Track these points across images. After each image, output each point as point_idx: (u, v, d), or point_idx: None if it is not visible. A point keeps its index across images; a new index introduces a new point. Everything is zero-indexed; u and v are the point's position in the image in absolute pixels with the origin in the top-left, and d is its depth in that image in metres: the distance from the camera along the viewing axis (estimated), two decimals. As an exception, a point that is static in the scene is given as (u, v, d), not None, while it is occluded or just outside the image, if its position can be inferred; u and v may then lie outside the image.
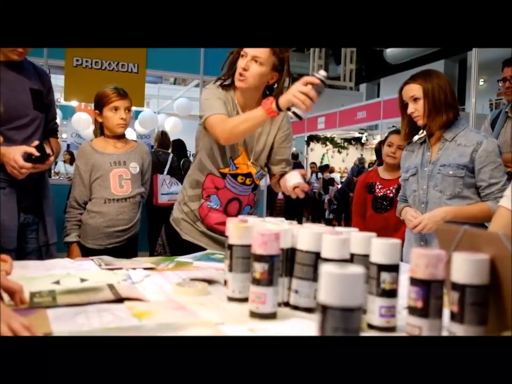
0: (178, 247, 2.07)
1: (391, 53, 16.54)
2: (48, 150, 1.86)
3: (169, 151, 5.94)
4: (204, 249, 2.03)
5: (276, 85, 2.02)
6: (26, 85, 1.99)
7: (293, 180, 1.91)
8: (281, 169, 2.11)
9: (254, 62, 1.89)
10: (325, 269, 0.74)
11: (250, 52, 1.88)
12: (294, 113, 1.74)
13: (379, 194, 3.29)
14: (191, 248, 2.01)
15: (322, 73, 1.74)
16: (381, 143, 3.54)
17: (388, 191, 3.27)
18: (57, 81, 7.08)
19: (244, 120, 1.83)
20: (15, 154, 1.78)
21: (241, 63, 1.90)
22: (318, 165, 14.57)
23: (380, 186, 3.31)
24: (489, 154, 2.01)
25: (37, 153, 1.81)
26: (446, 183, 2.07)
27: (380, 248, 1.13)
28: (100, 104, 2.33)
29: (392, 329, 1.13)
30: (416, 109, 2.10)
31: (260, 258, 1.17)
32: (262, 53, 1.88)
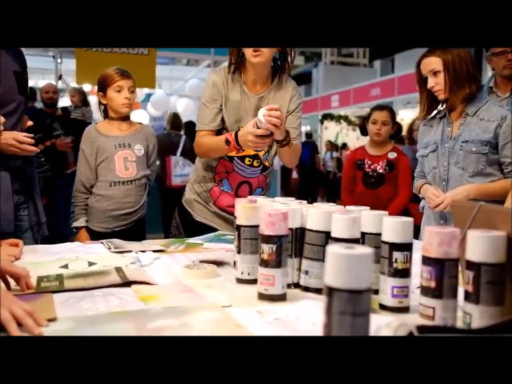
0: (192, 228, 2.05)
1: (405, 27, 16.21)
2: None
3: (182, 132, 5.92)
4: (216, 230, 2.01)
5: (278, 53, 1.98)
6: (10, 68, 1.87)
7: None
8: (294, 139, 2.05)
9: None
10: (330, 249, 0.70)
11: None
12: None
13: (368, 170, 3.27)
14: (204, 229, 1.99)
15: (260, 118, 1.71)
16: (365, 119, 3.50)
17: (378, 167, 3.25)
18: (69, 65, 7.08)
19: (213, 149, 1.96)
20: (12, 135, 1.75)
21: None
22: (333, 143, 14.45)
23: (369, 163, 3.29)
24: None
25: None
26: (469, 160, 2.00)
27: (391, 227, 1.10)
28: (103, 85, 2.31)
29: (405, 309, 1.10)
30: (437, 83, 2.02)
31: (267, 239, 1.14)
32: None
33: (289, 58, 1.98)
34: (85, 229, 2.28)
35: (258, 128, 1.72)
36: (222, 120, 1.97)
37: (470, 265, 0.93)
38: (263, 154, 2.02)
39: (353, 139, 15.80)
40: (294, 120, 2.02)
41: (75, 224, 2.29)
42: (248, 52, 1.86)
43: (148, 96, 8.07)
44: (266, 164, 2.06)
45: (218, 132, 1.99)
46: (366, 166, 3.29)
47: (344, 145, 13.96)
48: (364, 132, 3.49)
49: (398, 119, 3.35)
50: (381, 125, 3.25)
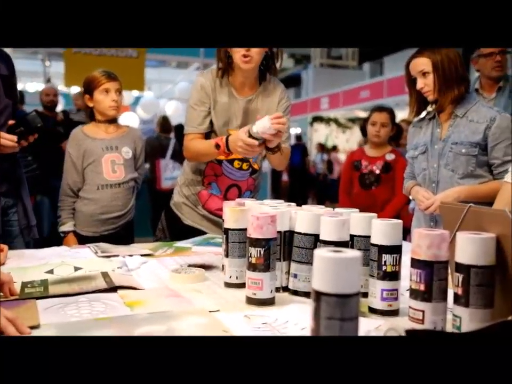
0: (180, 232, 2.02)
1: (394, 30, 16.30)
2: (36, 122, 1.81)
3: (172, 135, 5.89)
4: (205, 233, 1.99)
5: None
6: None
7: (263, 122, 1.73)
8: (282, 142, 2.03)
9: None
10: (318, 253, 0.69)
11: None
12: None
13: (365, 171, 3.27)
14: (192, 232, 1.98)
15: (254, 130, 1.70)
16: (365, 121, 3.50)
17: (374, 168, 3.24)
18: (57, 68, 7.03)
19: (203, 154, 1.94)
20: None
21: None
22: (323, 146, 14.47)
23: (365, 164, 3.28)
24: (504, 130, 1.93)
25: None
26: (458, 162, 2.00)
27: (380, 229, 1.09)
28: (90, 88, 2.28)
29: (395, 312, 1.09)
30: (426, 84, 2.02)
31: (255, 242, 1.12)
32: None
33: (276, 60, 1.96)
34: (72, 233, 2.24)
35: (250, 136, 1.70)
36: (211, 123, 1.95)
37: (460, 267, 0.92)
38: (252, 157, 2.01)
39: (343, 141, 15.85)
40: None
41: (62, 228, 2.25)
42: (237, 57, 1.84)
43: (137, 99, 8.04)
44: (256, 166, 2.05)
45: (207, 135, 1.97)
46: (363, 167, 3.28)
47: (334, 147, 13.99)
48: (364, 133, 3.48)
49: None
50: (380, 127, 3.23)
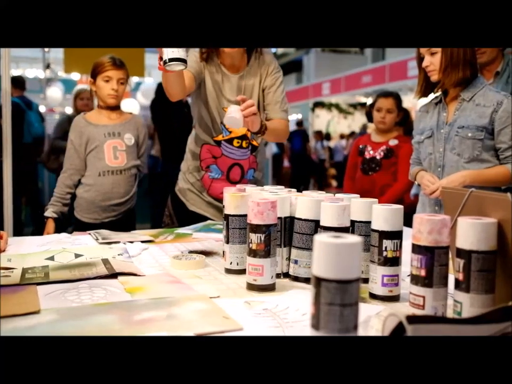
0: (185, 217, 2.02)
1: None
2: None
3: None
4: (210, 219, 1.99)
5: None
6: None
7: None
8: (276, 113, 1.99)
9: None
10: (318, 239, 0.68)
11: None
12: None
13: (368, 157, 3.25)
14: (198, 219, 1.97)
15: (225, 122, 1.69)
16: (371, 106, 3.47)
17: (376, 153, 3.23)
18: (57, 54, 6.98)
19: (168, 86, 1.79)
20: None
21: None
22: (324, 131, 14.44)
23: (369, 149, 3.27)
24: (510, 114, 1.92)
25: None
26: (464, 146, 1.98)
27: (381, 214, 1.08)
28: (94, 72, 2.26)
29: (396, 298, 1.08)
30: (432, 63, 2.00)
31: (255, 228, 1.12)
32: None
33: None
34: (52, 220, 2.22)
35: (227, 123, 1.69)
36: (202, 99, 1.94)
37: (461, 253, 0.92)
38: (251, 134, 1.98)
39: (345, 127, 15.78)
40: (275, 95, 1.98)
41: (45, 213, 2.23)
42: None
43: (138, 85, 8.00)
44: (254, 143, 2.02)
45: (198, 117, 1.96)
46: (366, 153, 3.27)
47: (328, 136, 13.96)
48: (370, 119, 3.45)
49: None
50: (386, 113, 3.19)
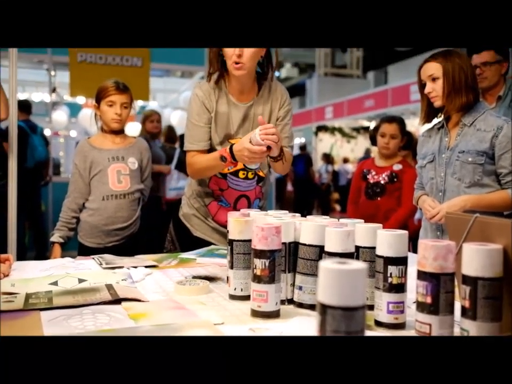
0: (189, 243, 1.98)
1: (398, 39, 16.32)
2: None
3: (177, 145, 5.89)
4: (214, 245, 1.97)
5: (263, 59, 1.92)
6: None
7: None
8: (284, 147, 2.00)
9: None
10: (323, 265, 0.68)
11: None
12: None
13: (372, 181, 3.25)
14: (202, 244, 1.93)
15: (257, 137, 1.67)
16: (375, 130, 3.47)
17: (380, 178, 3.22)
18: (63, 77, 7.06)
19: (208, 168, 1.89)
20: None
21: (230, 50, 1.79)
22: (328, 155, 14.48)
23: (373, 173, 3.26)
24: (511, 139, 1.93)
25: None
26: (465, 171, 1.99)
27: (385, 240, 1.08)
28: (98, 97, 2.29)
29: (401, 326, 1.07)
30: (434, 89, 2.02)
31: (260, 253, 1.12)
32: None
33: (272, 65, 1.93)
34: (58, 245, 2.23)
35: (254, 144, 1.68)
36: (211, 137, 1.92)
37: (466, 279, 0.91)
38: (257, 166, 1.98)
39: (348, 151, 15.82)
40: (285, 128, 1.97)
41: (52, 238, 2.24)
42: (229, 63, 1.81)
43: (142, 108, 8.06)
44: (261, 174, 2.01)
45: (208, 151, 1.94)
46: (370, 177, 3.27)
47: (331, 159, 14.01)
48: (374, 142, 3.46)
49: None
50: (389, 139, 3.20)
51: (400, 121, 3.32)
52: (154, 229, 3.57)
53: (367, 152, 12.60)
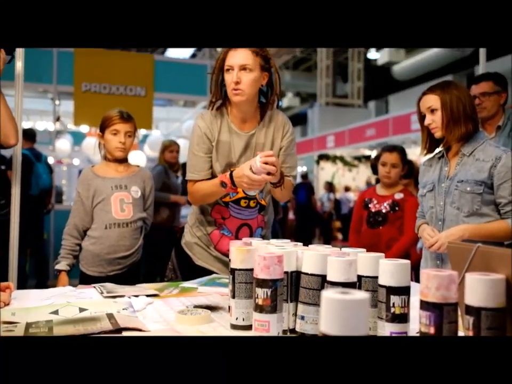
0: (191, 272, 1.96)
1: (398, 69, 16.55)
2: None
3: (179, 173, 5.92)
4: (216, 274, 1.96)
5: (266, 87, 1.94)
6: None
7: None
8: (285, 175, 2.00)
9: (243, 71, 1.81)
10: (325, 295, 0.68)
11: (235, 63, 1.81)
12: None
13: (373, 210, 3.25)
14: (204, 273, 1.90)
15: (257, 164, 1.69)
16: (376, 159, 3.49)
17: (382, 207, 3.23)
18: (67, 107, 7.15)
19: (209, 195, 1.92)
20: None
21: (229, 77, 1.82)
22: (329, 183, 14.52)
23: (375, 202, 3.27)
24: (509, 169, 1.94)
25: None
26: (464, 200, 1.99)
27: (388, 269, 1.08)
28: (102, 126, 2.32)
29: (404, 356, 1.06)
30: (434, 120, 2.04)
31: (262, 283, 1.11)
32: (248, 59, 1.81)
33: (273, 93, 1.94)
34: (65, 273, 2.23)
35: (254, 172, 1.70)
36: (212, 166, 1.94)
37: (470, 310, 0.91)
38: (258, 193, 1.98)
39: (350, 179, 15.86)
40: (287, 158, 1.99)
41: (57, 266, 2.24)
42: (229, 90, 1.84)
43: (145, 137, 8.13)
44: (263, 202, 2.01)
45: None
46: (371, 206, 3.27)
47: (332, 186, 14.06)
48: (376, 171, 3.47)
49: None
50: (390, 168, 3.22)
51: (401, 151, 3.34)
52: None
53: (368, 184, 12.65)
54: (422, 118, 2.12)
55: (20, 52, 2.41)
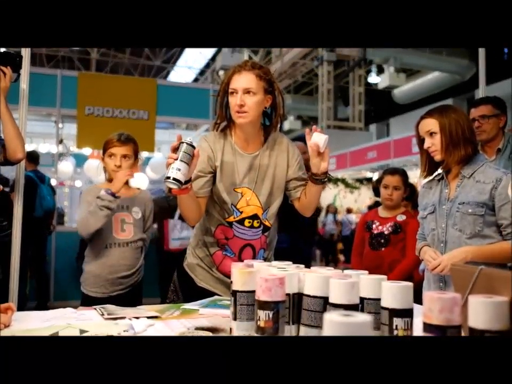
0: (193, 293, 1.96)
1: (399, 92, 16.69)
2: None
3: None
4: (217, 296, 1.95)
5: (270, 110, 1.97)
6: None
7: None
8: (301, 190, 2.06)
9: (247, 94, 1.85)
10: (328, 317, 0.68)
11: (239, 86, 1.85)
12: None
13: (375, 232, 3.25)
14: (205, 295, 1.92)
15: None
16: (378, 181, 3.51)
17: (384, 229, 3.22)
18: (70, 129, 7.22)
19: (181, 206, 1.91)
20: None
21: (234, 100, 1.86)
22: (331, 206, 14.51)
23: (377, 224, 3.28)
24: (511, 191, 1.94)
25: None
26: (466, 222, 1.99)
27: (390, 292, 1.07)
28: (103, 149, 2.37)
29: (408, 379, 1.05)
30: (433, 144, 2.05)
31: (263, 305, 1.11)
32: (251, 82, 1.85)
33: (276, 115, 1.97)
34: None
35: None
36: (214, 184, 1.95)
37: (473, 332, 0.90)
38: (262, 214, 1.99)
39: (351, 202, 15.86)
40: (300, 172, 2.04)
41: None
42: (233, 113, 1.87)
43: (147, 159, 8.17)
44: (267, 223, 2.01)
45: (211, 198, 1.98)
46: (374, 228, 3.27)
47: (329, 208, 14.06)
48: (378, 194, 3.49)
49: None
50: (392, 190, 3.23)
51: (402, 173, 3.35)
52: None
53: (369, 208, 12.65)
54: (421, 141, 2.13)
55: (24, 75, 2.45)
